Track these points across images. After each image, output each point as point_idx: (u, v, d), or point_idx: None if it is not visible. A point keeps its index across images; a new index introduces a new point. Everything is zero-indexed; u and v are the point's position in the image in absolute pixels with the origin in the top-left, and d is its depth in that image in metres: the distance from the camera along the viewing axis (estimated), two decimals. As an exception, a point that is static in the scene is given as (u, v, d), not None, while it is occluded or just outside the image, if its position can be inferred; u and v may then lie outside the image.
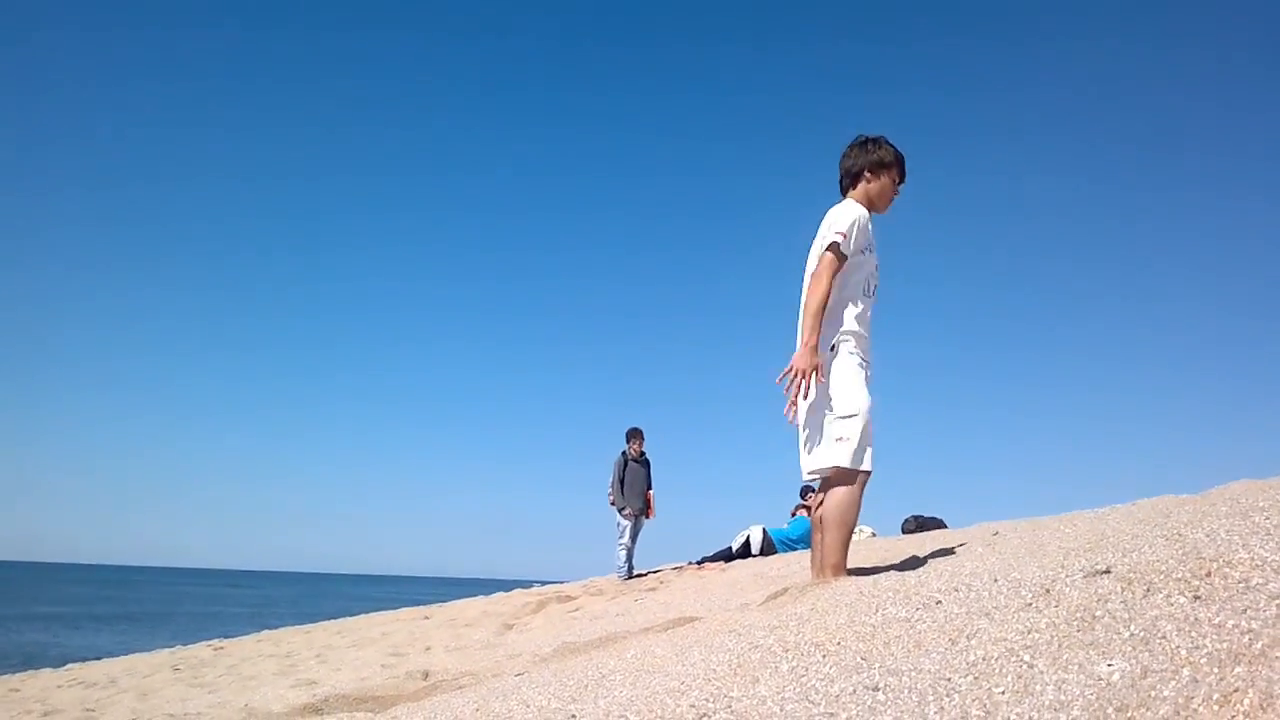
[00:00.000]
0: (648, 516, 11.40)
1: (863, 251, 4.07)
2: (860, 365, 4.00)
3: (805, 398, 3.97)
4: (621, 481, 11.23)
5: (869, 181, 4.22)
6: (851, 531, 3.93)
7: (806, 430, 4.03)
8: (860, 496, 3.90)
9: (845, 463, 3.86)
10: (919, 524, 10.78)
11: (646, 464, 11.49)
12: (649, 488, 11.42)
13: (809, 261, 4.13)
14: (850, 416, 3.89)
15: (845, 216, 4.05)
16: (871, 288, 4.14)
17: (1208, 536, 2.26)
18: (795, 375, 3.93)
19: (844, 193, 4.29)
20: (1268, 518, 2.35)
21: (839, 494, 3.89)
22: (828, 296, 3.96)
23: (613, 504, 11.26)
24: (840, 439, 3.89)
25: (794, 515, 12.18)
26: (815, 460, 3.97)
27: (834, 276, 3.98)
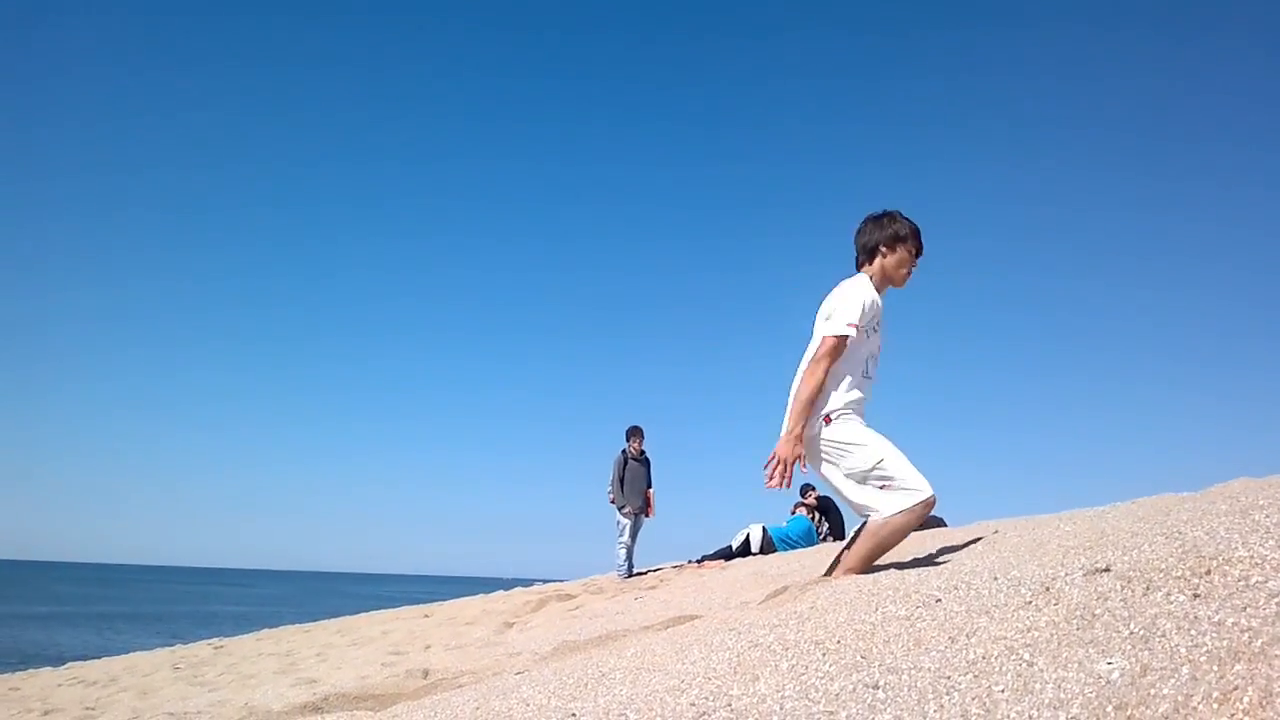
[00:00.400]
0: (648, 515, 11.41)
1: (867, 332, 4.06)
2: (856, 422, 4.01)
3: (786, 486, 3.97)
4: (621, 480, 11.24)
5: (885, 256, 4.19)
6: (884, 550, 3.91)
7: (850, 498, 4.01)
8: (913, 522, 3.87)
9: (907, 503, 3.84)
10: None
11: (646, 462, 11.50)
12: (649, 486, 11.43)
13: (813, 341, 4.11)
14: (878, 465, 3.89)
15: (855, 301, 4.03)
16: (871, 369, 4.13)
17: (1207, 534, 2.26)
18: (778, 463, 3.94)
19: (859, 267, 4.26)
20: (1267, 515, 2.36)
21: (895, 517, 3.84)
22: (822, 385, 3.97)
23: (613, 502, 11.27)
24: (885, 486, 3.87)
25: (793, 514, 12.18)
26: (882, 510, 3.91)
27: (832, 364, 3.97)
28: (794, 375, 4.13)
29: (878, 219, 4.25)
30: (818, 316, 4.15)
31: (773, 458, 3.97)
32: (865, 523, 3.95)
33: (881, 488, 3.87)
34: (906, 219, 4.24)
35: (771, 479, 3.96)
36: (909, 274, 4.25)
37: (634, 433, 11.57)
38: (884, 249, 4.19)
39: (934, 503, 3.87)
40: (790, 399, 4.05)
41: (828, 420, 3.98)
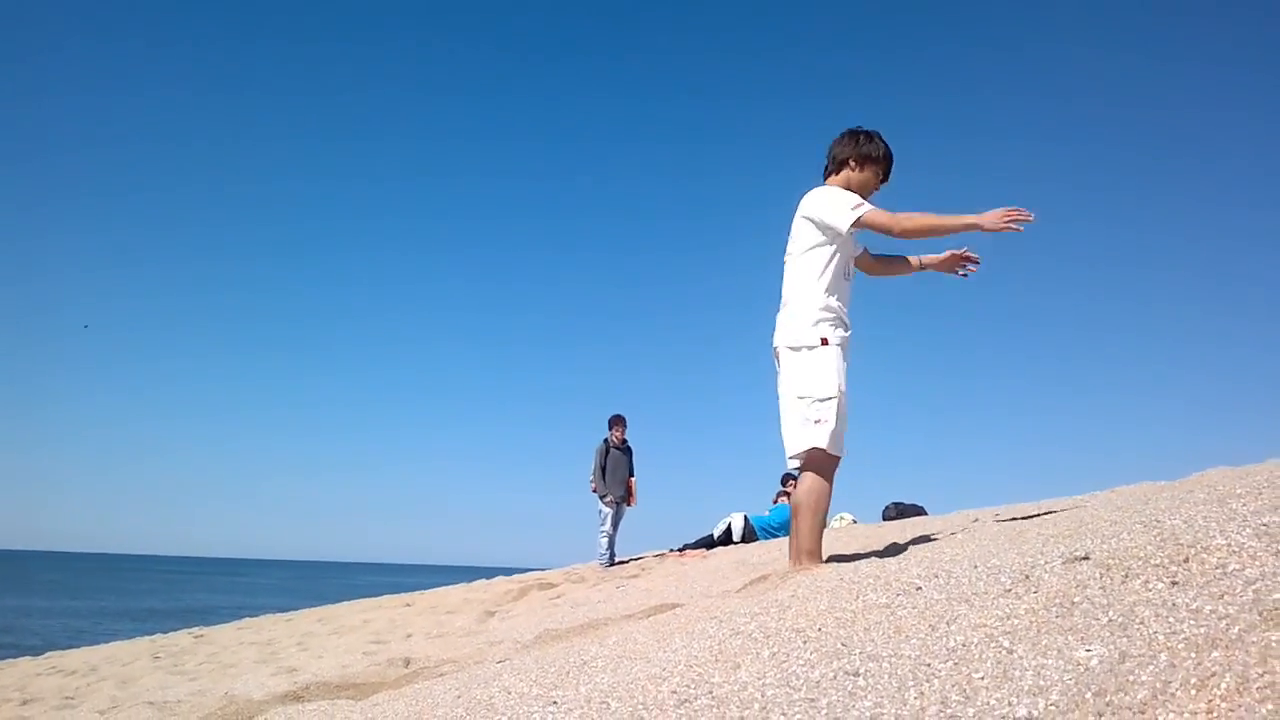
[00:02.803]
0: (629, 504, 11.41)
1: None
2: (840, 356, 4.02)
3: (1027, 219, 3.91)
4: (603, 469, 11.23)
5: (852, 171, 4.22)
6: (824, 517, 3.95)
7: (786, 414, 4.05)
8: (831, 482, 3.93)
9: (823, 444, 3.90)
10: (899, 511, 10.84)
11: (628, 451, 11.49)
12: (631, 475, 11.42)
13: (799, 248, 4.13)
14: (827, 399, 3.91)
15: (844, 193, 4.09)
16: (851, 270, 4.18)
17: (1185, 523, 2.28)
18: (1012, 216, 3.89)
19: (825, 177, 4.29)
20: (1244, 504, 2.37)
21: (810, 480, 3.93)
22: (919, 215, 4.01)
23: (594, 491, 11.26)
24: (818, 421, 3.91)
25: (775, 502, 12.22)
26: (794, 443, 3.98)
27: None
28: (781, 284, 4.19)
29: (854, 134, 4.28)
30: (797, 222, 4.17)
31: (1004, 220, 3.89)
32: (795, 504, 4.01)
33: (816, 422, 3.92)
34: (883, 141, 4.27)
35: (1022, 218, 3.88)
36: (869, 196, 4.25)
37: (616, 421, 11.56)
38: (853, 164, 4.24)
39: (837, 462, 3.98)
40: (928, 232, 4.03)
41: (825, 342, 4.01)
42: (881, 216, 3.99)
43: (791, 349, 4.04)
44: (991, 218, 3.90)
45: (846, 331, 4.08)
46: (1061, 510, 4.25)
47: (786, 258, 4.17)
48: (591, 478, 11.29)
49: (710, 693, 2.03)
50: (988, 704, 1.57)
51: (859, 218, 3.98)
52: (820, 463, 3.93)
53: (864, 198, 4.19)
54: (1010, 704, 1.54)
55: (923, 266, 4.33)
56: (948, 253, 4.27)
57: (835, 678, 1.89)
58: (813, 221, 4.07)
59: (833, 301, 4.05)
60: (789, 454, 4.05)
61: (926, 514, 10.35)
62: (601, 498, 11.18)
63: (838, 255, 4.06)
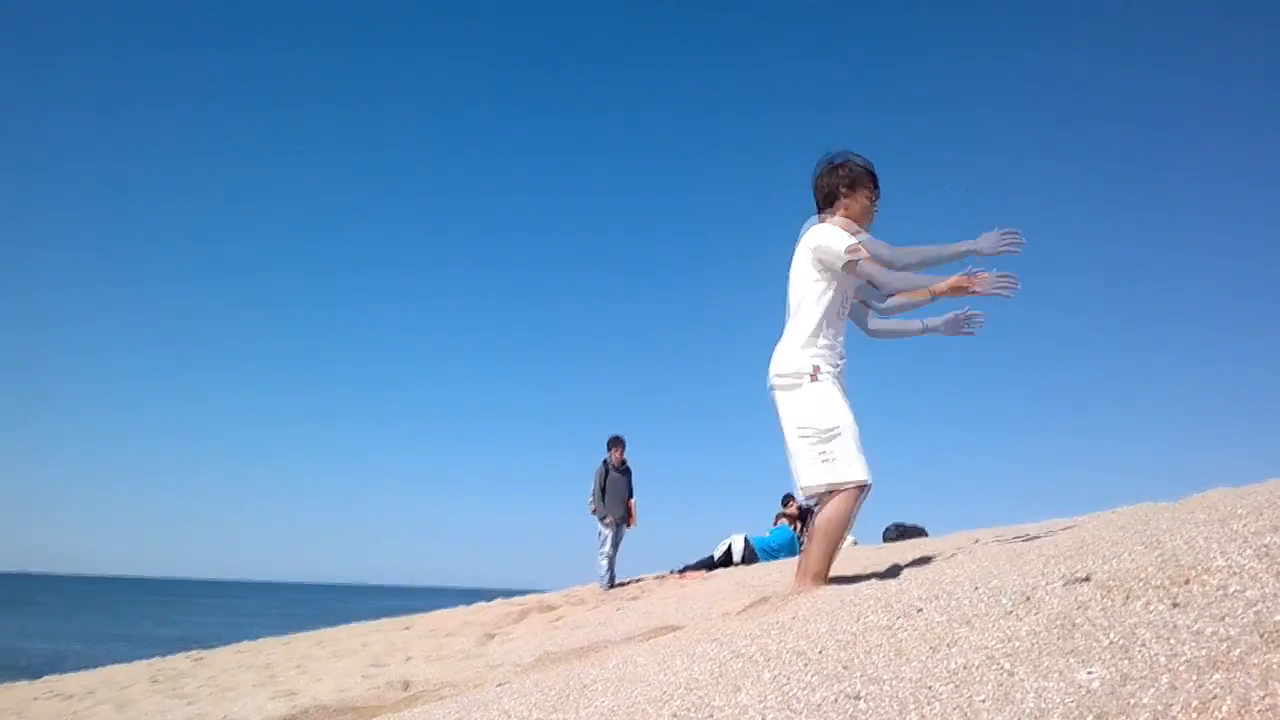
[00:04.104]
0: (629, 525, 11.39)
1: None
2: (836, 388, 4.02)
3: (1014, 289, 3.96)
4: (603, 490, 11.22)
5: (846, 199, 4.20)
6: (837, 543, 3.94)
7: (792, 450, 4.04)
8: (853, 509, 3.92)
9: (836, 479, 3.89)
10: (900, 532, 10.83)
11: (628, 472, 11.48)
12: (630, 496, 11.41)
13: (798, 282, 4.13)
14: (831, 432, 3.91)
15: (838, 230, 4.06)
16: (845, 310, 4.17)
17: (1186, 544, 2.27)
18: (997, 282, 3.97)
19: (820, 213, 4.28)
20: (1245, 525, 2.37)
21: (831, 506, 3.91)
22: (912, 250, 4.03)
23: (594, 513, 11.24)
24: (827, 460, 3.91)
25: (776, 524, 12.20)
26: (808, 481, 3.97)
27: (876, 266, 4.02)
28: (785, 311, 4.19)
29: (831, 164, 4.26)
30: (798, 255, 4.16)
31: (1002, 244, 3.92)
32: (813, 526, 3.99)
33: (824, 461, 3.91)
34: (859, 159, 4.25)
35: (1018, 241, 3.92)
36: (872, 217, 4.24)
37: (615, 442, 11.56)
38: (844, 192, 4.21)
39: (869, 488, 3.91)
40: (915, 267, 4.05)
41: (814, 376, 4.00)
42: (882, 251, 3.99)
43: (783, 384, 4.04)
44: (988, 242, 3.91)
45: (840, 364, 4.08)
46: (1062, 531, 4.23)
47: (789, 288, 4.18)
48: (591, 499, 11.28)
49: (711, 716, 2.02)
50: (989, 727, 1.57)
51: (858, 257, 3.97)
52: (844, 492, 3.92)
53: (867, 221, 4.20)
54: (1012, 727, 1.54)
55: (927, 330, 4.32)
56: (950, 314, 4.26)
57: (836, 700, 1.89)
58: (813, 257, 4.07)
59: (826, 336, 4.05)
60: (803, 492, 4.05)
61: (927, 535, 10.32)
62: (601, 519, 11.17)
63: (834, 291, 4.06)
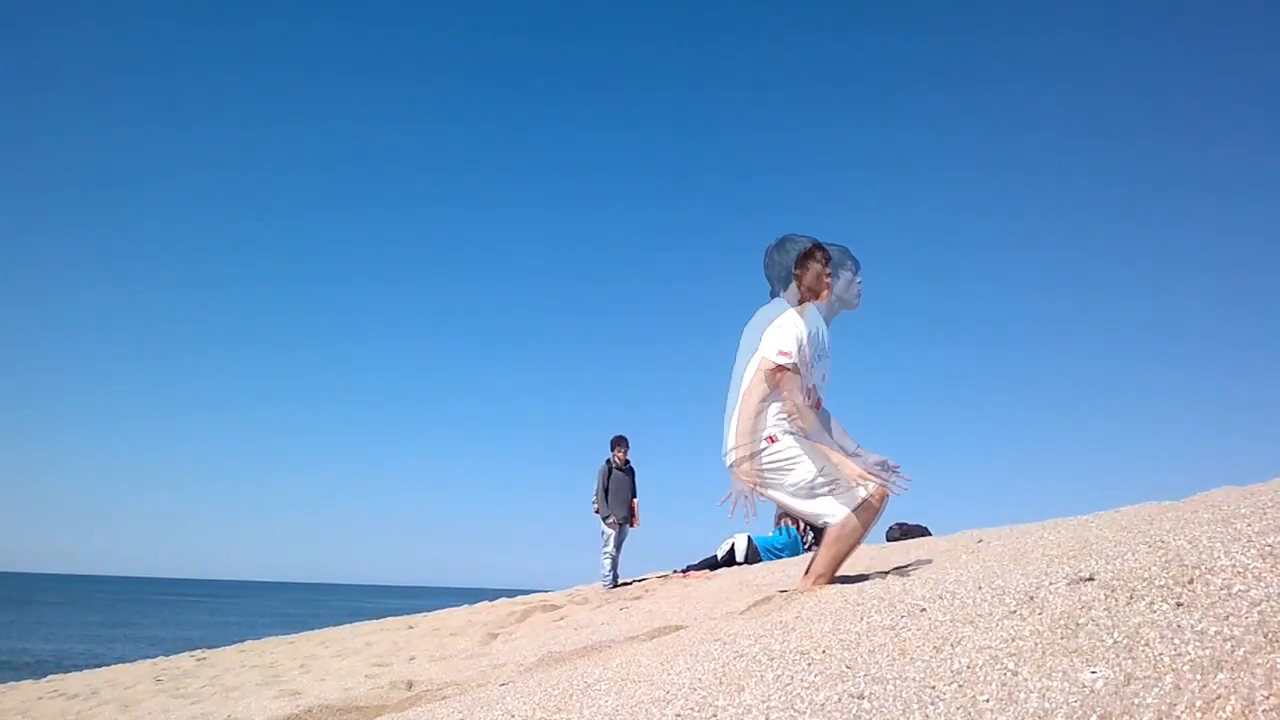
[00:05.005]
0: (632, 525, 11.39)
1: (810, 364, 4.08)
2: (799, 439, 4.02)
3: (753, 518, 4.08)
4: (606, 490, 11.22)
5: (800, 276, 4.20)
6: (848, 551, 3.96)
7: (793, 506, 4.08)
8: (871, 522, 3.94)
9: (845, 511, 3.90)
10: (903, 531, 10.80)
11: (631, 472, 11.48)
12: (634, 496, 11.41)
13: (744, 371, 4.14)
14: (821, 469, 3.94)
15: (789, 333, 4.03)
16: (814, 398, 4.17)
17: (1190, 543, 2.27)
18: (737, 498, 4.05)
19: (773, 296, 4.30)
20: (1249, 524, 2.37)
21: (852, 517, 3.91)
22: (759, 412, 4.02)
23: (597, 512, 11.24)
24: (832, 491, 3.93)
25: (779, 524, 12.19)
26: (824, 521, 3.98)
27: (770, 392, 4.01)
28: (730, 393, 4.19)
29: (773, 252, 4.28)
30: (747, 338, 4.19)
31: (730, 495, 4.04)
32: (826, 528, 3.99)
33: (830, 492, 3.92)
34: (800, 238, 4.26)
35: (731, 515, 4.04)
36: (826, 283, 4.22)
37: (618, 442, 11.56)
38: (796, 272, 4.21)
39: (886, 494, 3.91)
40: (727, 423, 4.11)
41: (771, 440, 4.01)
42: (793, 394, 3.97)
43: (740, 459, 4.05)
44: (879, 471, 3.98)
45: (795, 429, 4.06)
46: (1066, 531, 4.24)
47: (741, 367, 4.19)
48: (594, 499, 11.28)
49: (714, 716, 2.02)
50: (993, 727, 1.57)
51: (776, 378, 3.98)
52: (863, 508, 3.92)
53: (825, 287, 4.20)
54: (1015, 727, 1.53)
55: (855, 454, 4.20)
56: (885, 459, 4.15)
57: (840, 700, 1.89)
58: (759, 349, 4.09)
59: (777, 409, 4.04)
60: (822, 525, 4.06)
61: (931, 534, 10.31)
62: (604, 519, 11.17)
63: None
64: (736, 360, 4.20)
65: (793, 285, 4.21)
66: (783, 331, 4.02)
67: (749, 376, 4.08)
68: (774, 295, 4.29)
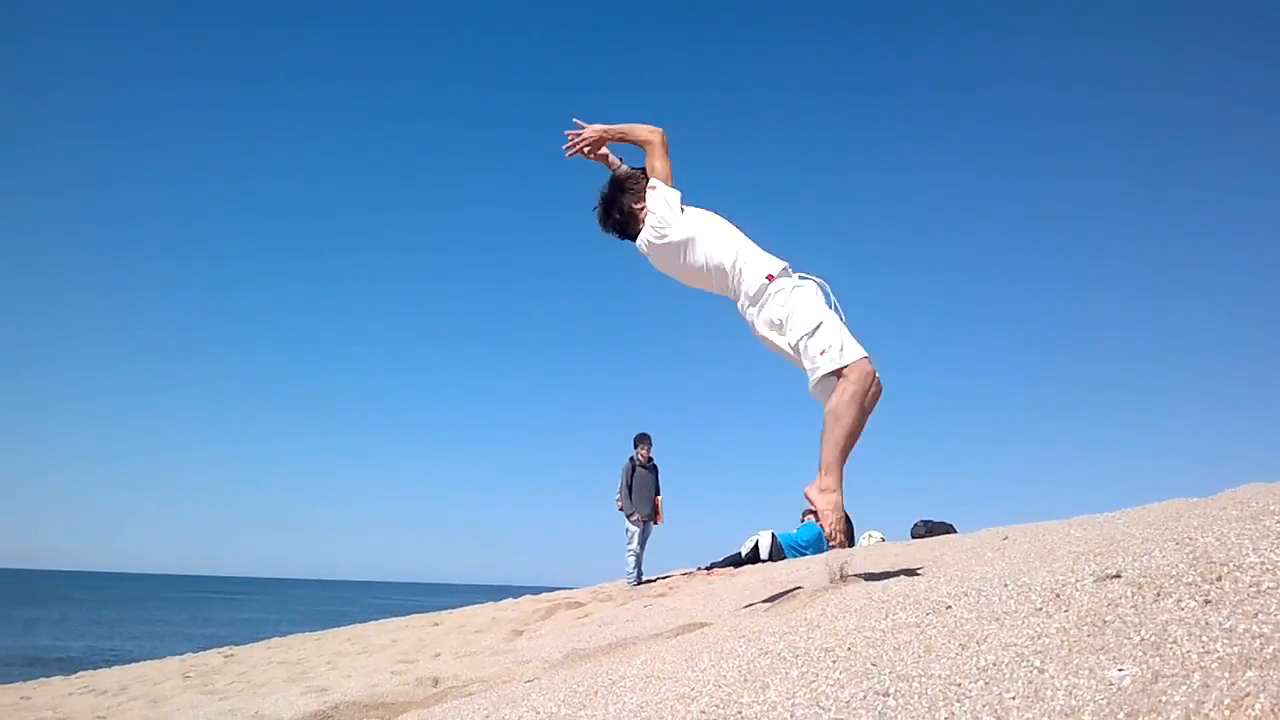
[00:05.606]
0: (656, 522, 11.41)
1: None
2: (798, 286, 4.01)
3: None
4: (629, 487, 11.24)
5: (640, 206, 4.28)
6: (851, 430, 3.82)
7: (800, 360, 3.98)
8: (862, 387, 3.80)
9: (836, 364, 3.80)
10: (928, 529, 10.79)
11: (654, 469, 11.50)
12: (657, 493, 11.42)
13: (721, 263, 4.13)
14: (818, 328, 3.87)
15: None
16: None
17: (1218, 540, 2.26)
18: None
19: (635, 229, 4.33)
20: (1278, 521, 2.35)
21: (838, 390, 3.81)
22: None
23: (621, 510, 11.26)
24: (823, 350, 3.84)
25: (803, 520, 12.17)
26: (815, 377, 3.88)
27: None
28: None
29: (606, 203, 4.36)
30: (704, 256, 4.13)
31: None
32: (824, 415, 3.86)
33: (822, 352, 3.84)
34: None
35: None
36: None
37: (642, 440, 11.57)
38: (634, 205, 4.28)
39: (872, 370, 3.83)
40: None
41: (770, 278, 3.98)
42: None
43: (757, 300, 4.03)
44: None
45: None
46: (1092, 528, 4.21)
47: (707, 276, 4.20)
48: (618, 496, 11.30)
49: (739, 713, 2.02)
50: (1019, 724, 1.56)
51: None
52: (847, 374, 3.83)
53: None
54: (1042, 724, 1.53)
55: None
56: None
57: (865, 698, 1.89)
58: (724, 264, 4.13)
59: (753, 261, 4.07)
60: (812, 392, 3.95)
61: (956, 531, 10.28)
62: (628, 516, 11.19)
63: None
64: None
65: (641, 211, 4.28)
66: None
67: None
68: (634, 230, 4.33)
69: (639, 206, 4.24)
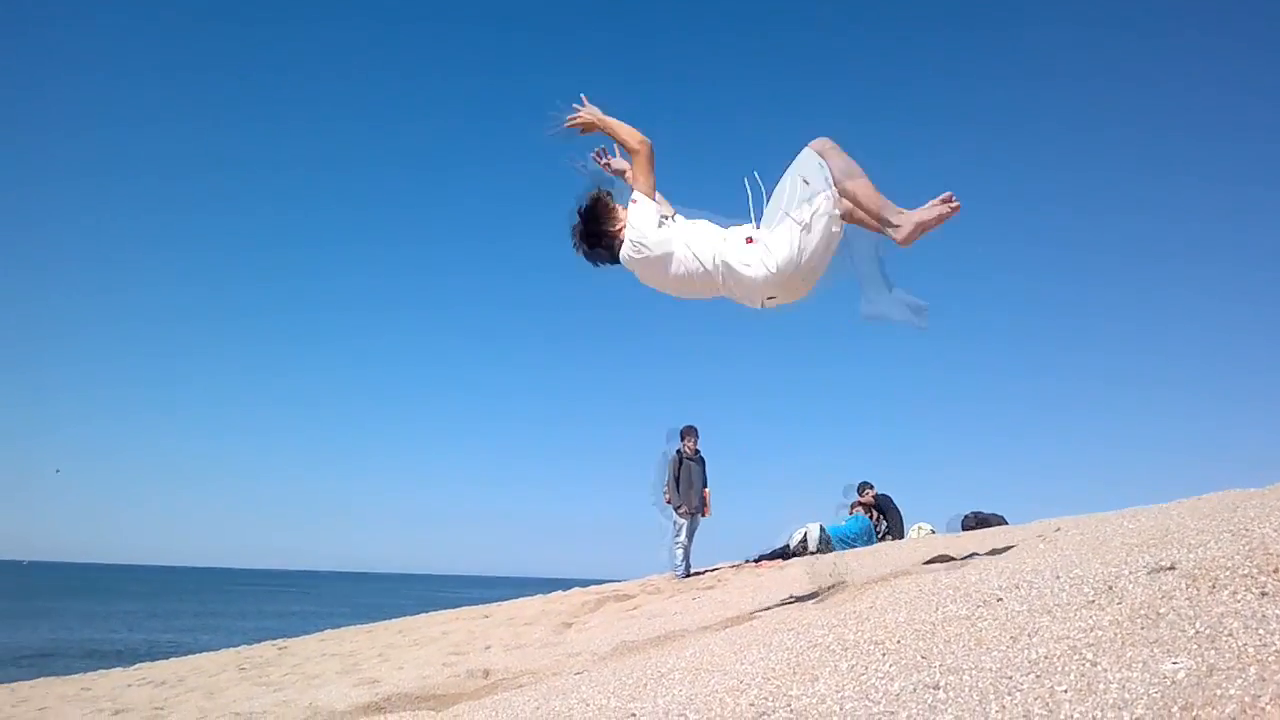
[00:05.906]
0: (704, 515, 11.40)
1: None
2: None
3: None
4: (677, 480, 11.24)
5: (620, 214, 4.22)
6: (865, 183, 3.76)
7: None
8: (840, 161, 3.76)
9: (824, 186, 3.75)
10: (979, 520, 10.69)
11: (701, 462, 11.49)
12: (705, 486, 11.41)
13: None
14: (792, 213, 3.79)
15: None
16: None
17: (1275, 531, 2.22)
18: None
19: (613, 242, 4.25)
20: (1337, 512, 2.31)
21: (832, 164, 3.77)
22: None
23: (668, 503, 11.27)
24: (808, 199, 3.76)
25: (851, 512, 12.11)
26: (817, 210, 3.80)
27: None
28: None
29: (584, 227, 4.27)
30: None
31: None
32: (839, 189, 3.79)
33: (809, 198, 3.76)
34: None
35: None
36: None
37: (688, 432, 11.57)
38: (612, 230, 4.20)
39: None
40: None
41: (750, 240, 3.89)
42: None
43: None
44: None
45: None
46: (1146, 519, 4.15)
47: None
48: (665, 489, 11.31)
49: (788, 705, 2.03)
50: (1071, 718, 1.55)
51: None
52: (832, 157, 3.79)
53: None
54: (1094, 718, 1.52)
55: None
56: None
57: (915, 690, 1.88)
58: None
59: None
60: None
61: (1007, 523, 10.18)
62: (676, 509, 11.19)
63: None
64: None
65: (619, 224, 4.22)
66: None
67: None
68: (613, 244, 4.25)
69: (618, 229, 4.18)
